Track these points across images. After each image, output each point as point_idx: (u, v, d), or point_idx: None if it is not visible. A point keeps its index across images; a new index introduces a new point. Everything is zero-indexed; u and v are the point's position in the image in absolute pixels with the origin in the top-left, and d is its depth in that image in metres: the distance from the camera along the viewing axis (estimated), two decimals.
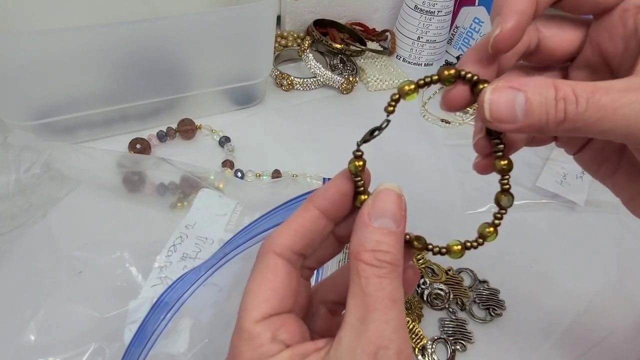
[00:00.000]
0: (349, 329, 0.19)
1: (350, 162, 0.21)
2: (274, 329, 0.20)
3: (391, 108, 0.21)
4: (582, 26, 0.25)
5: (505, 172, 0.22)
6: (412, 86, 0.21)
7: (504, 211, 0.22)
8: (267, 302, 0.21)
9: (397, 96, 0.21)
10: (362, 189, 0.22)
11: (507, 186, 0.22)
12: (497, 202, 0.23)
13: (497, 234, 0.22)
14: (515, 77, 0.26)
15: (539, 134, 0.21)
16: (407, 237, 0.22)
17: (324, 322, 0.25)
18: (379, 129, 0.21)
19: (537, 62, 0.26)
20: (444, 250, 0.22)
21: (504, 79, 0.21)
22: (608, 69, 0.24)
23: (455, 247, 0.22)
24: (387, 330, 0.18)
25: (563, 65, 0.27)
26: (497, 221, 0.22)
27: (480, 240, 0.22)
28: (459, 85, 0.22)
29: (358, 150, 0.21)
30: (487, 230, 0.22)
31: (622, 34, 0.23)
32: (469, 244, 0.22)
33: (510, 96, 0.20)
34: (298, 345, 0.20)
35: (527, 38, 0.24)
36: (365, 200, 0.21)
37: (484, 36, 0.22)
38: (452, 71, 0.21)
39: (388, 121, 0.21)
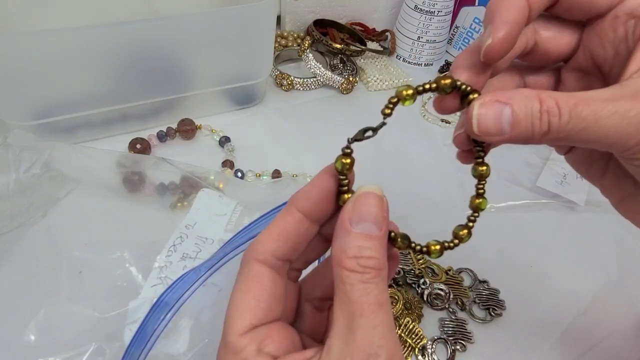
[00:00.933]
0: (338, 337, 0.19)
1: (337, 160, 0.21)
2: (259, 341, 0.20)
3: (388, 111, 0.21)
4: (579, 29, 0.25)
5: (483, 177, 0.23)
6: (411, 91, 0.21)
7: (477, 214, 0.23)
8: (251, 312, 0.20)
9: (395, 99, 0.21)
10: (345, 188, 0.21)
11: (482, 191, 0.23)
12: (475, 206, 0.23)
13: (470, 235, 0.23)
14: (506, 82, 0.27)
15: (526, 144, 0.22)
16: (392, 234, 0.21)
17: (311, 320, 0.24)
18: (373, 129, 0.21)
19: (532, 62, 0.26)
20: (425, 249, 0.22)
21: (491, 92, 0.21)
22: (599, 72, 0.24)
23: (434, 247, 0.22)
24: (376, 336, 0.18)
25: (557, 66, 0.27)
26: (470, 224, 0.23)
27: (457, 241, 0.23)
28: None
29: (348, 147, 0.21)
30: (461, 232, 0.23)
31: (613, 40, 0.23)
32: (446, 244, 0.23)
33: (497, 110, 0.20)
34: (286, 357, 0.20)
35: (524, 40, 0.24)
36: (348, 199, 0.21)
37: (475, 40, 0.23)
38: (449, 81, 0.22)
39: (384, 123, 0.21)
